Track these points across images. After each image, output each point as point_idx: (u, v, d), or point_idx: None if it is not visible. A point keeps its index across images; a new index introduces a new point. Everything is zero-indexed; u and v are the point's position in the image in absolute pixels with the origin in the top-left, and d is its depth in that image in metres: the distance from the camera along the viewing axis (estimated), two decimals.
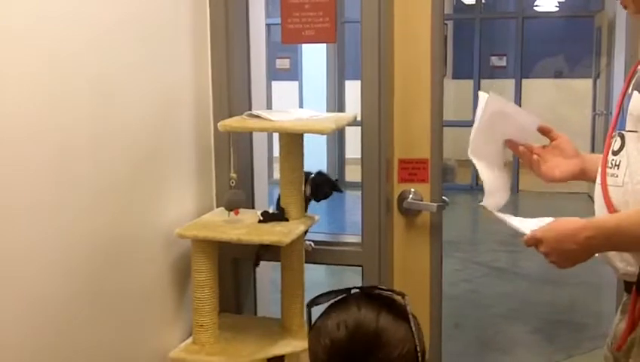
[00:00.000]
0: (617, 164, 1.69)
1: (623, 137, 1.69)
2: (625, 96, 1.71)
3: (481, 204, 1.81)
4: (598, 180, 1.74)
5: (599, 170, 1.75)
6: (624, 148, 1.67)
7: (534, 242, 1.65)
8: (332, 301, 1.28)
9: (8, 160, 1.67)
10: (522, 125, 1.87)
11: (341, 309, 1.25)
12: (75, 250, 1.90)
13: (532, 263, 6.36)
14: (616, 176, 1.68)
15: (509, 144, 1.88)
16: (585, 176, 1.88)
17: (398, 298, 1.29)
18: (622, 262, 1.68)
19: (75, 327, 1.90)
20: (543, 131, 1.90)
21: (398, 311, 1.25)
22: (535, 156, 1.87)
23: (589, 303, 5.36)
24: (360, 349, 1.17)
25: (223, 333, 2.34)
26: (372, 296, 1.29)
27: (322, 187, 2.44)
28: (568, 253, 1.61)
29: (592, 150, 7.14)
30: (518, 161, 1.94)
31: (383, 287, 1.36)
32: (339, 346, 1.17)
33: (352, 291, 1.30)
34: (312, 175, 2.44)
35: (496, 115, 1.84)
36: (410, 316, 1.25)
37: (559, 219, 1.65)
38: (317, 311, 1.30)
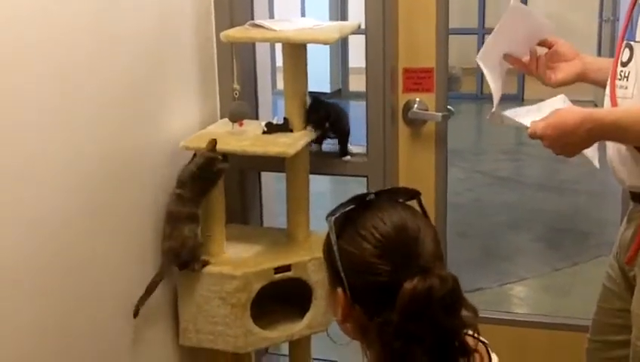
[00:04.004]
0: (626, 75, 1.66)
1: (631, 48, 1.65)
2: (635, 6, 1.67)
3: (492, 112, 1.78)
4: (607, 91, 1.71)
5: (608, 81, 1.72)
6: (633, 60, 1.64)
7: (537, 137, 1.63)
8: (351, 208, 1.27)
9: (9, 73, 1.64)
10: (537, 27, 1.83)
11: (374, 210, 1.25)
12: (79, 164, 1.90)
13: (535, 172, 6.37)
14: (626, 88, 1.65)
15: (509, 59, 1.84)
16: (587, 77, 1.85)
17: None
18: (629, 175, 1.68)
19: (79, 241, 1.92)
20: (544, 43, 1.86)
21: (423, 215, 1.29)
22: (541, 58, 1.83)
23: (592, 211, 5.38)
24: (409, 239, 1.19)
25: (230, 244, 2.37)
26: (396, 200, 1.30)
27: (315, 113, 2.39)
28: (571, 146, 1.62)
29: (599, 56, 7.04)
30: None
31: (399, 187, 1.39)
32: (389, 238, 1.19)
33: (368, 198, 1.29)
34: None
35: (516, 13, 1.79)
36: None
37: (558, 112, 1.62)
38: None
